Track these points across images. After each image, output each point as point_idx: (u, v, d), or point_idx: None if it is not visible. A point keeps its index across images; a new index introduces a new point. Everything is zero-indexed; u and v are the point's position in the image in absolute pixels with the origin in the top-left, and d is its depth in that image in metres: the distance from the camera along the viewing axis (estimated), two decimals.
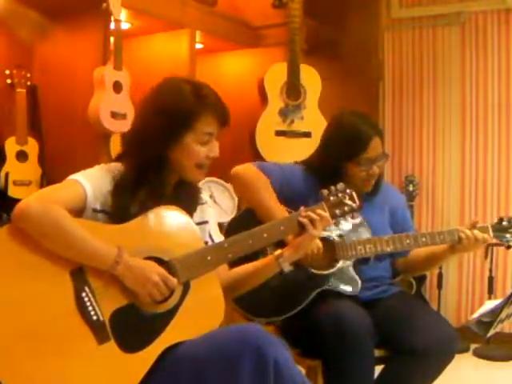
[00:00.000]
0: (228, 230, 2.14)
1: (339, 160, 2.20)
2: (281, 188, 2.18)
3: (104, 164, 1.72)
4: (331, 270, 2.15)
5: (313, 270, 2.13)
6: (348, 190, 1.82)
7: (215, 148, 1.73)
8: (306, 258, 2.02)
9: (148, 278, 1.55)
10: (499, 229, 2.16)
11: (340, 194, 1.81)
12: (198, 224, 1.76)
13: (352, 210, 1.81)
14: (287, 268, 1.78)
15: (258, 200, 2.13)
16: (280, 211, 2.08)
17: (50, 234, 1.52)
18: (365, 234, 2.18)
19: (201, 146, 1.70)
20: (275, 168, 2.25)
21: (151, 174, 1.67)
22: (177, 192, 1.75)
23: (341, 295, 2.11)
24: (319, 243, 2.00)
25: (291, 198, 2.12)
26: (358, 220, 1.91)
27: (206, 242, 1.78)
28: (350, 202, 1.80)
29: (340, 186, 1.82)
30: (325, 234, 2.11)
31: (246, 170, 2.22)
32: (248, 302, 2.07)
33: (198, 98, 1.68)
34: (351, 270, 2.16)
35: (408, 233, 2.21)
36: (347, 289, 2.13)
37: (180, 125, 1.67)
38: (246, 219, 2.13)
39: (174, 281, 1.58)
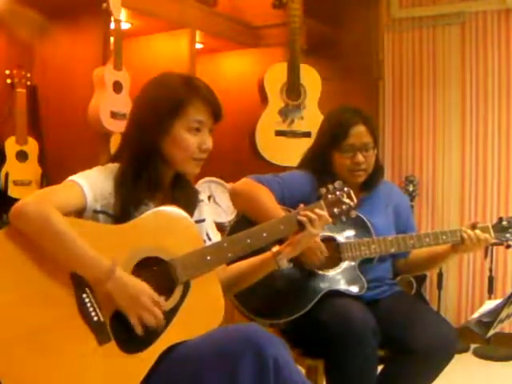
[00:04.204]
0: (231, 231, 2.13)
1: (326, 149, 2.24)
2: (282, 197, 2.17)
3: (101, 166, 1.71)
4: (337, 271, 2.15)
5: (318, 271, 2.13)
6: (346, 188, 1.81)
7: (208, 140, 1.71)
8: (310, 261, 2.04)
9: (138, 299, 1.51)
10: (499, 229, 2.18)
11: (338, 193, 1.80)
12: (196, 222, 1.76)
13: (349, 209, 1.81)
14: (285, 265, 1.77)
15: (261, 206, 2.09)
16: (282, 212, 2.06)
17: (43, 235, 1.49)
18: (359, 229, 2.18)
19: (191, 135, 1.68)
20: (273, 178, 2.23)
21: (147, 166, 1.66)
22: (175, 192, 1.75)
23: (345, 295, 2.11)
24: (322, 246, 1.98)
25: (297, 204, 2.10)
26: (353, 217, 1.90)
27: (204, 241, 1.77)
28: (347, 201, 1.79)
29: (338, 183, 1.81)
30: (327, 233, 2.11)
31: (244, 184, 2.21)
32: (252, 302, 2.07)
33: (187, 85, 1.68)
34: (356, 270, 2.16)
35: (411, 233, 2.21)
36: (353, 289, 2.13)
37: (169, 112, 1.66)
38: (248, 220, 2.12)
39: (164, 304, 1.55)
